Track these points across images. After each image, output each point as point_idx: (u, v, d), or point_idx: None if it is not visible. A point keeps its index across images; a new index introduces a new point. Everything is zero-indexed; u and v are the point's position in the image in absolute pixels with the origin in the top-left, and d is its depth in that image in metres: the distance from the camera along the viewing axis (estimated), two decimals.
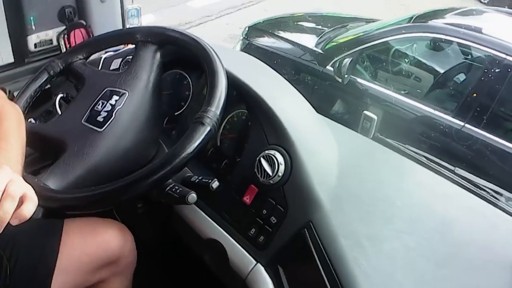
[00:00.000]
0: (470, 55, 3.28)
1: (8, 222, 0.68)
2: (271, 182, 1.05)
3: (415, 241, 0.98)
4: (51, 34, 1.54)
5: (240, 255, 1.09)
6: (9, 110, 0.93)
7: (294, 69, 3.48)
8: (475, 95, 2.90)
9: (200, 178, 1.08)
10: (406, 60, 3.48)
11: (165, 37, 1.17)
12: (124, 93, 1.09)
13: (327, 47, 3.48)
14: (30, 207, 0.71)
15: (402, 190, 1.14)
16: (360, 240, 0.95)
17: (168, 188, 1.05)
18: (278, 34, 3.79)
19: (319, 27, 3.97)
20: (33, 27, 1.48)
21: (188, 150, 0.93)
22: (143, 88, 1.12)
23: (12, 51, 1.48)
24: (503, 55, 2.76)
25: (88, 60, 1.28)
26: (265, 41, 3.76)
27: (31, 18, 1.46)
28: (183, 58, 1.28)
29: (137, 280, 1.31)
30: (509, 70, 2.74)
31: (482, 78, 2.89)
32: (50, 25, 1.53)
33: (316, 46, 3.55)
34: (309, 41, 3.66)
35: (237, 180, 1.13)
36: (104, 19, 1.59)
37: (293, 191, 1.04)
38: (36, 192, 0.91)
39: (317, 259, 0.93)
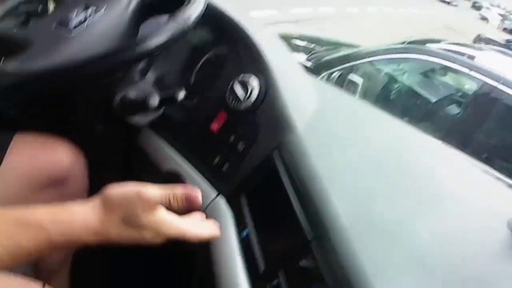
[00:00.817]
0: (459, 90, 3.28)
1: None
2: (243, 107, 0.97)
3: (399, 181, 0.88)
4: None
5: (201, 187, 0.97)
6: None
7: None
8: (463, 123, 2.87)
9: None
10: (396, 86, 3.45)
11: None
12: (102, 7, 1.01)
13: (317, 62, 3.45)
14: None
15: (388, 142, 1.05)
16: (336, 164, 0.86)
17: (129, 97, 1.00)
18: None
19: (312, 46, 3.96)
20: None
21: (155, 39, 0.85)
22: (122, 9, 1.03)
23: None
24: (495, 83, 2.74)
25: None
26: None
27: None
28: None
29: None
30: (499, 97, 2.72)
31: (472, 107, 2.87)
32: None
33: (306, 61, 3.52)
34: (300, 56, 3.63)
35: (206, 109, 1.04)
36: None
37: (265, 116, 0.95)
38: None
39: (286, 178, 0.82)
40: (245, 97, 0.96)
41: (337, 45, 4.10)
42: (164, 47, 0.87)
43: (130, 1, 1.05)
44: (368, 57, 3.20)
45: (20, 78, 0.85)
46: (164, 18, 1.16)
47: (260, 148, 0.92)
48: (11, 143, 1.03)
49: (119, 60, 0.84)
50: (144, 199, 0.64)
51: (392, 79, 3.44)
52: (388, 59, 3.19)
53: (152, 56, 0.95)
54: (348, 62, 3.21)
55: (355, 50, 3.48)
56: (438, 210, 0.82)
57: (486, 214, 0.86)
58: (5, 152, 1.01)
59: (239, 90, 0.97)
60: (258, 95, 0.96)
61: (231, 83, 0.99)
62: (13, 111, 1.28)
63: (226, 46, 1.13)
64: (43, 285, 0.82)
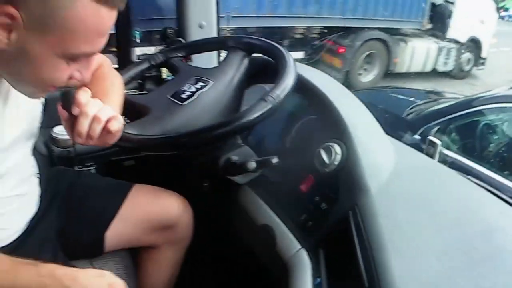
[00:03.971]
0: None
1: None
2: (327, 170, 1.12)
3: (456, 237, 0.94)
4: (152, 49, 1.71)
5: (287, 239, 1.13)
6: (113, 73, 1.09)
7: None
8: None
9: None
10: (495, 137, 3.25)
11: (252, 45, 1.28)
12: (210, 81, 1.21)
13: (416, 116, 3.46)
14: (115, 124, 0.87)
15: (456, 201, 1.09)
16: (400, 223, 0.96)
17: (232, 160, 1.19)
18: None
19: (412, 99, 3.96)
20: (138, 40, 1.69)
21: (247, 117, 1.01)
22: (227, 81, 1.23)
23: (117, 59, 1.69)
24: None
25: None
26: None
27: (137, 33, 1.67)
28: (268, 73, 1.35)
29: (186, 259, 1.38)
30: None
31: None
32: (152, 42, 1.73)
33: (405, 115, 3.54)
34: (400, 109, 3.68)
35: (297, 171, 1.20)
36: None
37: (344, 180, 1.08)
38: None
39: (356, 241, 0.94)
40: (329, 162, 1.11)
41: (438, 94, 4.05)
42: (259, 122, 1.03)
43: (234, 75, 1.25)
44: (469, 108, 3.14)
45: (140, 141, 1.05)
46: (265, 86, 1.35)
47: (338, 209, 1.05)
48: (131, 190, 1.26)
49: (221, 133, 1.01)
50: None
51: (491, 130, 3.28)
52: (490, 108, 3.09)
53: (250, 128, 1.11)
54: (447, 115, 3.18)
55: (455, 101, 3.44)
56: None
57: None
58: (126, 197, 1.24)
59: (324, 156, 1.12)
60: (340, 160, 1.10)
61: (318, 149, 1.14)
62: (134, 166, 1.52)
63: (315, 114, 1.29)
64: None
